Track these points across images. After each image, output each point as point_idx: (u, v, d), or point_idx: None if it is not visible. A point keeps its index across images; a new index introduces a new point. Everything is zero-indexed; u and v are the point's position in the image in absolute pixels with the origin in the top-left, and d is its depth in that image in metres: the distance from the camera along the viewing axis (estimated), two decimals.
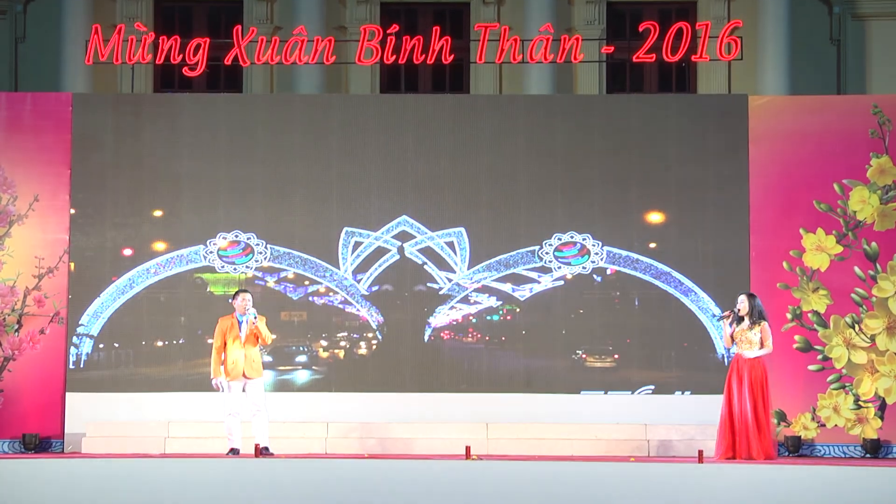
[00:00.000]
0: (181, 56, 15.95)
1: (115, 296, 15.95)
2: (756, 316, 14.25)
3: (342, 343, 16.06)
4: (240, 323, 14.36)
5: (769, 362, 15.70)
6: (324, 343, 16.06)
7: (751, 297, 14.42)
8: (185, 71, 16.16)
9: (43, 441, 15.59)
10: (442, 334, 16.01)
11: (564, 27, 18.32)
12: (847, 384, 15.71)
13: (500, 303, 16.00)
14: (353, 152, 16.07)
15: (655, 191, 15.98)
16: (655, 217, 16.06)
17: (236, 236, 16.06)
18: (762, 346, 14.29)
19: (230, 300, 14.78)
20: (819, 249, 15.81)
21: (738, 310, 14.34)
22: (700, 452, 13.65)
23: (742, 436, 14.04)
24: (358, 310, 16.01)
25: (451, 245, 16.08)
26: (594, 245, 15.98)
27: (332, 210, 16.05)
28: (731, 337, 14.35)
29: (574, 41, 15.97)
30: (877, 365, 15.71)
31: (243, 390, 14.33)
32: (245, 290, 14.71)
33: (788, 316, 15.77)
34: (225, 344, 14.35)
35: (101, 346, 15.87)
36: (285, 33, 17.64)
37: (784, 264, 15.82)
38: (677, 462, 13.99)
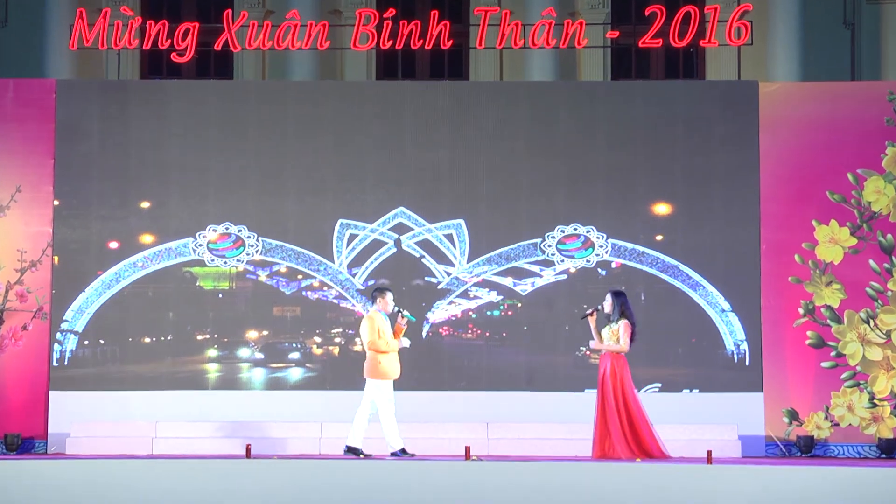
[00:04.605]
0: (169, 41, 15.96)
1: (101, 290, 15.93)
2: (617, 314, 14.00)
3: (337, 339, 16.04)
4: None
5: (782, 357, 15.68)
6: (318, 339, 16.04)
7: (616, 294, 14.13)
8: (174, 57, 16.15)
9: (26, 441, 15.59)
10: (440, 330, 15.99)
11: (567, 11, 18.25)
12: (862, 382, 15.70)
13: (500, 297, 15.97)
14: (348, 141, 16.05)
15: (662, 181, 15.97)
16: (662, 208, 16.04)
17: (227, 228, 16.04)
18: (618, 342, 13.94)
19: (376, 296, 14.22)
20: (832, 242, 15.80)
21: (602, 307, 14.11)
22: (709, 453, 13.62)
23: (603, 434, 13.77)
24: (353, 305, 15.98)
25: (449, 238, 16.06)
26: (598, 237, 15.96)
27: (327, 201, 16.03)
28: (601, 335, 14.05)
29: (577, 26, 15.96)
30: (892, 362, 15.71)
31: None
32: (389, 289, 14.43)
33: (801, 311, 15.76)
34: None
35: (86, 342, 15.86)
36: (278, 18, 17.57)
37: (796, 257, 15.81)
38: (685, 463, 13.96)
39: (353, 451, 14.07)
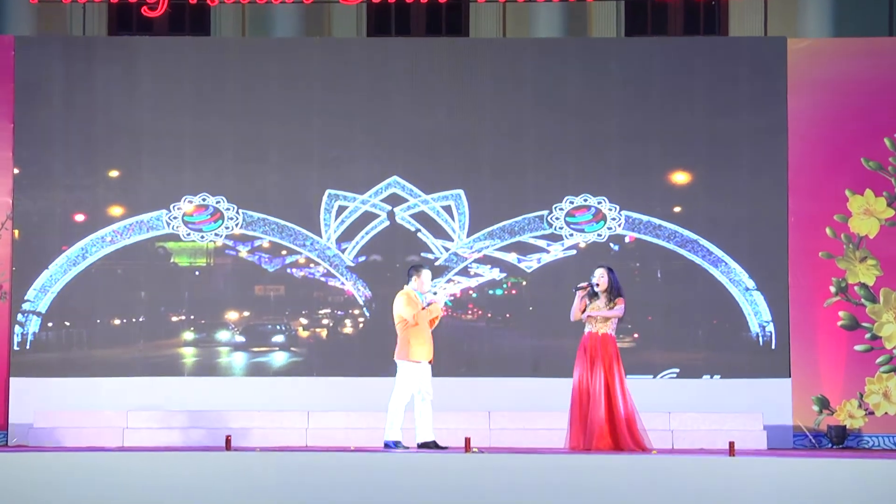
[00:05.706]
0: None
1: (66, 268, 15.89)
2: (614, 293, 13.91)
3: (325, 321, 16.04)
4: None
5: (812, 340, 15.66)
6: (304, 321, 16.04)
7: (610, 271, 14.04)
8: (145, 11, 16.13)
9: None
10: None
11: None
12: None
13: (503, 275, 15.95)
14: (336, 104, 16.02)
15: (681, 147, 15.93)
16: (681, 177, 16.00)
17: (204, 200, 16.00)
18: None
19: (412, 274, 14.00)
20: (867, 213, 15.77)
21: (596, 284, 14.01)
22: (731, 444, 13.61)
23: (595, 424, 13.69)
24: (342, 283, 15.95)
25: (448, 210, 16.02)
26: (611, 209, 15.92)
27: (313, 170, 16.01)
28: (583, 312, 13.96)
29: None
30: None
31: None
32: (426, 267, 14.26)
33: (832, 289, 15.72)
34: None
35: (49, 324, 15.84)
36: None
37: (827, 230, 15.78)
38: (705, 454, 13.96)
39: (427, 446, 13.88)
